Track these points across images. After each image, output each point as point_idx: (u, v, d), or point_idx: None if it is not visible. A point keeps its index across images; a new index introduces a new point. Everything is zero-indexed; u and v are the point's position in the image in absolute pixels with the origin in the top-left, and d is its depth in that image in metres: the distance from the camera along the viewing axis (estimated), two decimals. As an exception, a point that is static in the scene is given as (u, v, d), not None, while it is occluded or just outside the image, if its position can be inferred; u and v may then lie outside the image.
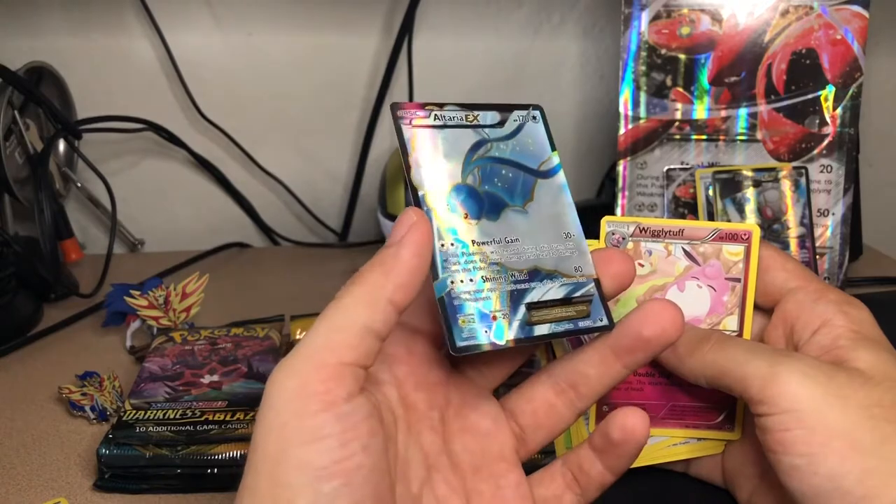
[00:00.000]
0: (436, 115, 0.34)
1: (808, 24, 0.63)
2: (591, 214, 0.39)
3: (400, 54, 0.84)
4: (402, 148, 0.33)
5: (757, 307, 0.39)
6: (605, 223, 0.39)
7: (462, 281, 0.31)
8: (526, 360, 0.36)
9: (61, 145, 0.80)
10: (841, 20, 0.63)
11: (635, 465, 0.41)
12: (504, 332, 0.31)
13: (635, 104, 0.66)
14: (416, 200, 0.32)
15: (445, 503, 0.33)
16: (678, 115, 0.65)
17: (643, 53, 0.65)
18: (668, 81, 0.65)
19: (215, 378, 0.52)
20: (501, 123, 0.35)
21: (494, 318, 0.31)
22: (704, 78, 0.65)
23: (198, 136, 0.85)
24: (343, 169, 0.89)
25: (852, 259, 0.71)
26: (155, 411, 0.48)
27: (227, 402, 0.49)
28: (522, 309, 0.32)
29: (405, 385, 0.33)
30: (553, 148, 0.35)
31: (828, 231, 0.65)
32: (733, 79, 0.65)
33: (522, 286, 0.32)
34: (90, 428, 0.52)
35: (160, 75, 0.83)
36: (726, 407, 0.40)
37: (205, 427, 0.47)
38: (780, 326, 0.38)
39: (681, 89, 0.65)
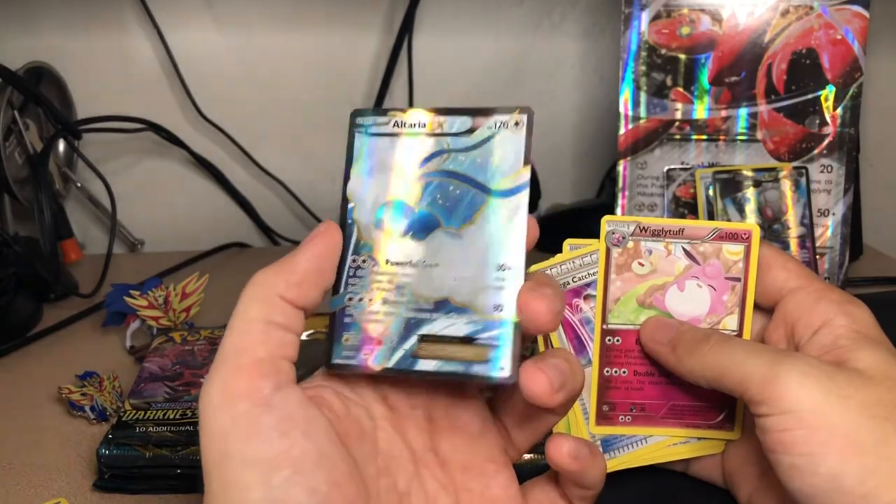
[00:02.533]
0: (396, 122, 0.33)
1: (809, 24, 0.63)
2: (592, 215, 0.39)
3: (400, 54, 0.84)
4: (348, 157, 0.33)
5: (758, 307, 0.39)
6: (605, 222, 0.39)
7: (361, 299, 0.31)
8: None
9: (61, 145, 0.80)
10: (841, 20, 0.63)
11: (635, 464, 0.41)
12: (382, 359, 0.31)
13: (635, 104, 0.66)
14: (343, 213, 0.32)
15: (435, 500, 0.33)
16: (678, 115, 0.65)
17: (643, 53, 0.65)
18: (669, 81, 0.65)
19: (215, 378, 0.52)
20: (471, 131, 0.32)
21: (380, 342, 0.31)
22: (704, 78, 0.65)
23: (197, 135, 0.85)
24: (343, 169, 0.89)
25: (852, 259, 0.71)
26: (155, 411, 0.48)
27: (226, 402, 0.49)
28: (414, 339, 0.31)
29: (382, 385, 0.33)
30: (526, 162, 0.31)
31: (828, 231, 0.65)
32: (733, 79, 0.64)
33: (423, 315, 0.31)
34: (90, 428, 0.52)
35: (160, 75, 0.83)
36: (726, 406, 0.40)
37: (204, 427, 0.46)
38: (780, 326, 0.38)
39: (681, 89, 0.65)
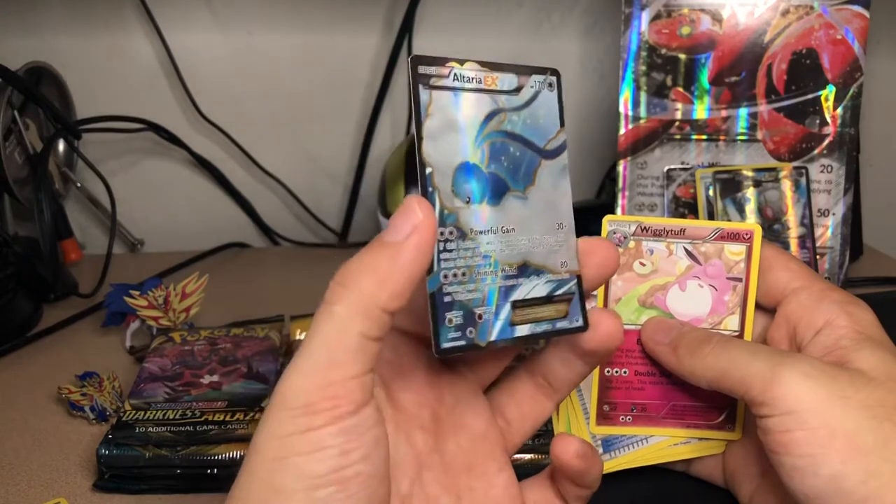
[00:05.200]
0: (455, 74, 0.30)
1: (809, 24, 0.63)
2: (592, 214, 0.39)
3: (400, 54, 0.84)
4: (417, 114, 0.29)
5: (760, 307, 0.39)
6: (607, 222, 0.39)
7: (455, 275, 0.29)
8: (516, 354, 0.37)
9: (61, 145, 0.80)
10: (841, 20, 0.63)
11: (636, 464, 0.41)
12: (487, 333, 0.30)
13: (635, 104, 0.66)
14: (422, 179, 0.29)
15: (437, 501, 0.33)
16: (678, 115, 0.65)
17: (643, 53, 0.65)
18: (669, 81, 0.65)
19: (215, 378, 0.52)
20: (518, 90, 0.32)
21: (480, 316, 0.30)
22: (705, 78, 0.65)
23: (198, 136, 0.85)
24: (343, 169, 0.89)
25: (852, 259, 0.71)
26: (154, 411, 0.48)
27: (226, 403, 0.49)
28: (507, 307, 0.30)
29: (391, 385, 0.33)
30: (562, 123, 0.32)
31: (828, 231, 0.65)
32: (733, 79, 0.64)
33: (511, 282, 0.31)
34: (90, 428, 0.52)
35: (160, 75, 0.83)
36: (727, 407, 0.40)
37: (204, 427, 0.46)
38: (783, 326, 0.38)
39: (681, 89, 0.65)
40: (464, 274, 0.30)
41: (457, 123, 0.30)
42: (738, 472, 0.40)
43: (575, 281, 0.32)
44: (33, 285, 0.69)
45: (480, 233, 0.30)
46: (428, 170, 0.29)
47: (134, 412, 0.48)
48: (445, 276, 0.29)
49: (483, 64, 0.31)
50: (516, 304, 0.31)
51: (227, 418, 0.47)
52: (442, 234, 0.29)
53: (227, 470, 0.45)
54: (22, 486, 0.46)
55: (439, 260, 0.29)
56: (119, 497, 0.45)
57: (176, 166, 0.87)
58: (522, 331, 0.31)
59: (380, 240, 0.28)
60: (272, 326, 0.60)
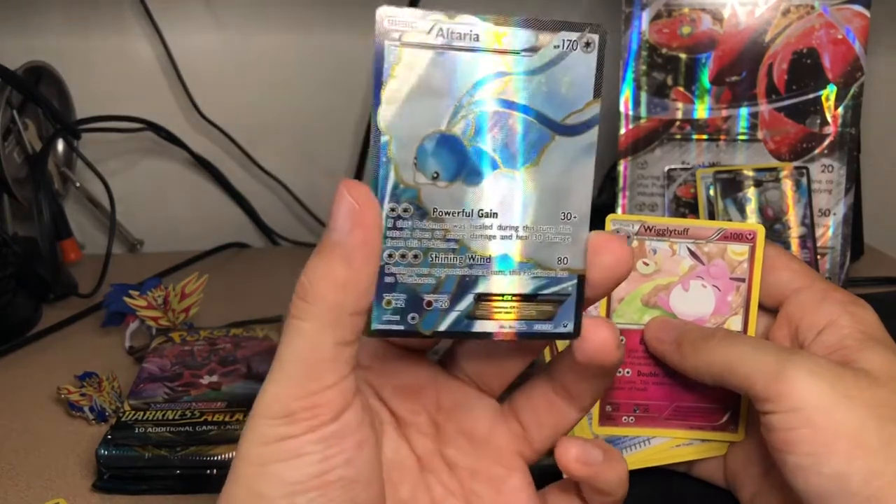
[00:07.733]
0: (440, 30, 0.25)
1: (810, 24, 0.63)
2: (591, 214, 0.38)
3: (400, 54, 0.83)
4: (377, 74, 0.25)
5: (762, 307, 0.39)
6: (610, 221, 0.39)
7: (404, 255, 0.27)
8: (530, 362, 0.35)
9: (60, 145, 0.80)
10: (842, 19, 0.63)
11: (639, 466, 0.41)
12: (435, 322, 0.27)
13: (636, 104, 0.66)
14: (375, 149, 0.26)
15: None
16: (679, 115, 0.65)
17: (644, 53, 0.65)
18: (669, 81, 0.65)
19: (214, 378, 0.52)
20: (534, 50, 0.26)
21: (430, 304, 0.27)
22: (705, 77, 0.64)
23: (197, 136, 0.85)
24: (343, 169, 0.89)
25: (853, 259, 0.71)
26: (154, 412, 0.48)
27: (226, 403, 0.49)
28: (470, 298, 0.27)
29: (382, 391, 0.32)
30: (597, 94, 0.27)
31: (829, 231, 0.65)
32: (734, 78, 0.64)
33: (479, 272, 0.27)
34: (89, 428, 0.52)
35: (159, 75, 0.83)
36: (730, 407, 0.40)
37: (204, 428, 0.46)
38: (785, 326, 0.38)
39: (682, 89, 0.65)
40: (416, 256, 0.27)
41: (433, 87, 0.26)
42: (739, 473, 0.40)
43: (574, 281, 0.28)
44: (33, 285, 0.69)
45: (447, 214, 0.27)
46: (384, 138, 0.26)
47: (133, 412, 0.48)
48: (391, 256, 0.27)
49: (486, 18, 0.26)
50: (481, 297, 0.27)
51: (227, 419, 0.47)
52: (393, 210, 0.26)
53: (227, 471, 0.45)
54: (22, 486, 0.46)
55: (385, 235, 0.26)
56: (118, 497, 0.45)
57: (175, 166, 0.86)
58: (484, 327, 0.27)
59: (328, 240, 0.26)
60: (272, 326, 0.60)
